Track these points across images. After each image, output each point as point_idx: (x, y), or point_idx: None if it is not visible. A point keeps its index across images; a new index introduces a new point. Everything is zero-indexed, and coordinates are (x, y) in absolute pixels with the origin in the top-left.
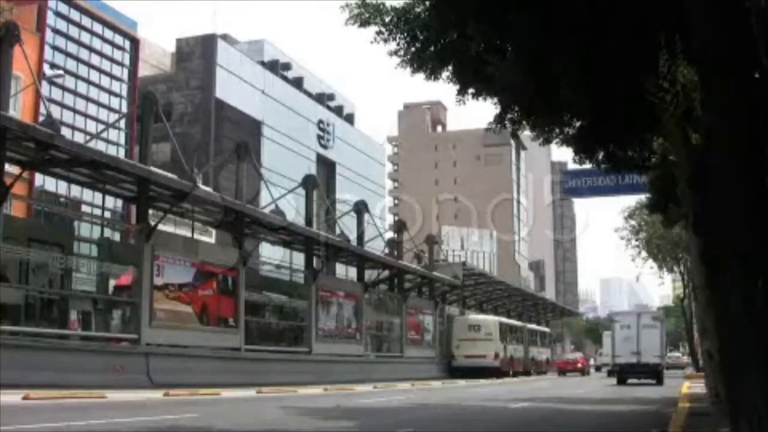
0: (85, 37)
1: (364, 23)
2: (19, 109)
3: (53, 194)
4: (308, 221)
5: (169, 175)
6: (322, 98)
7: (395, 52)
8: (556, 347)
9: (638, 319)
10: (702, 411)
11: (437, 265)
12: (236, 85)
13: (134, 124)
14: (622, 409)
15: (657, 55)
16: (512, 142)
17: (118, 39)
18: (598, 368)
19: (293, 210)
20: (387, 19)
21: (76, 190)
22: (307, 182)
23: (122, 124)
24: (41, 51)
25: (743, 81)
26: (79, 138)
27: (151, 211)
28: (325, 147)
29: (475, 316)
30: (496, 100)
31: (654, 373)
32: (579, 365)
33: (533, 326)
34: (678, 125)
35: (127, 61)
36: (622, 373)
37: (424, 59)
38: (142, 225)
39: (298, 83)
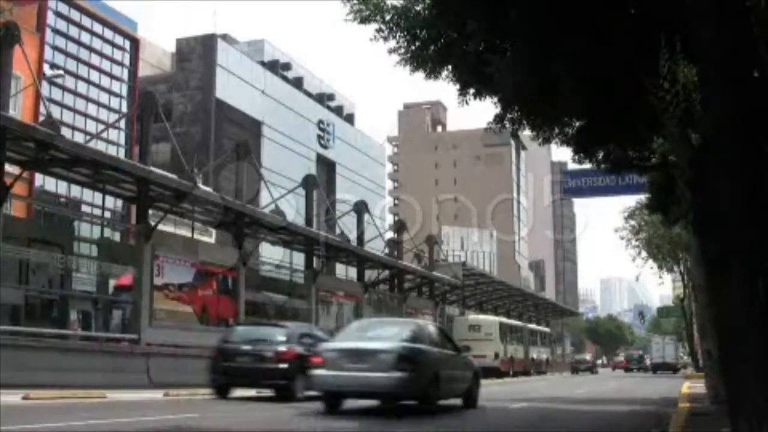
0: (85, 37)
1: (364, 20)
2: (19, 109)
3: (53, 194)
4: (308, 221)
5: (169, 175)
6: (322, 98)
7: (395, 50)
8: (556, 347)
9: (663, 339)
10: (702, 411)
11: (437, 265)
12: (236, 85)
13: (134, 124)
14: (622, 409)
15: (657, 55)
16: (512, 142)
17: (118, 39)
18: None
19: (293, 210)
20: (387, 17)
21: (76, 190)
22: (307, 182)
23: (122, 124)
24: (41, 51)
25: (743, 80)
26: (79, 138)
27: (151, 211)
28: (325, 147)
29: (475, 316)
30: (496, 99)
31: (672, 368)
32: (623, 364)
33: (533, 326)
34: (678, 125)
35: (127, 61)
36: (655, 368)
37: (424, 58)
38: (142, 225)
39: (298, 83)
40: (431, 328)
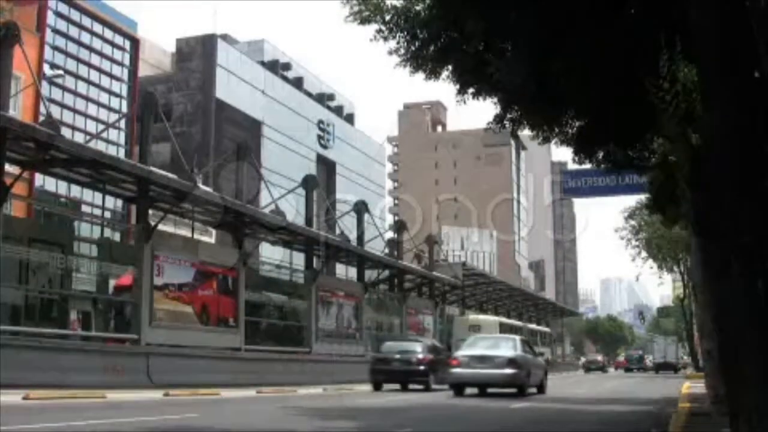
0: (85, 37)
1: (365, 21)
2: (19, 109)
3: (53, 194)
4: (308, 221)
5: (169, 175)
6: (322, 98)
7: (395, 51)
8: (556, 347)
9: (665, 340)
10: (702, 411)
11: (437, 265)
12: (236, 85)
13: (134, 124)
14: (622, 409)
15: (657, 55)
16: (512, 142)
17: (118, 39)
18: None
19: (293, 210)
20: (387, 18)
21: (76, 190)
22: (307, 182)
23: (122, 124)
24: (41, 51)
25: (743, 81)
26: (79, 138)
27: (151, 211)
28: (325, 147)
29: (475, 316)
30: (496, 99)
31: (673, 368)
32: (623, 363)
33: (533, 326)
34: (678, 125)
35: (127, 61)
36: (658, 368)
37: (423, 58)
38: (142, 225)
39: (298, 83)
40: (521, 340)
